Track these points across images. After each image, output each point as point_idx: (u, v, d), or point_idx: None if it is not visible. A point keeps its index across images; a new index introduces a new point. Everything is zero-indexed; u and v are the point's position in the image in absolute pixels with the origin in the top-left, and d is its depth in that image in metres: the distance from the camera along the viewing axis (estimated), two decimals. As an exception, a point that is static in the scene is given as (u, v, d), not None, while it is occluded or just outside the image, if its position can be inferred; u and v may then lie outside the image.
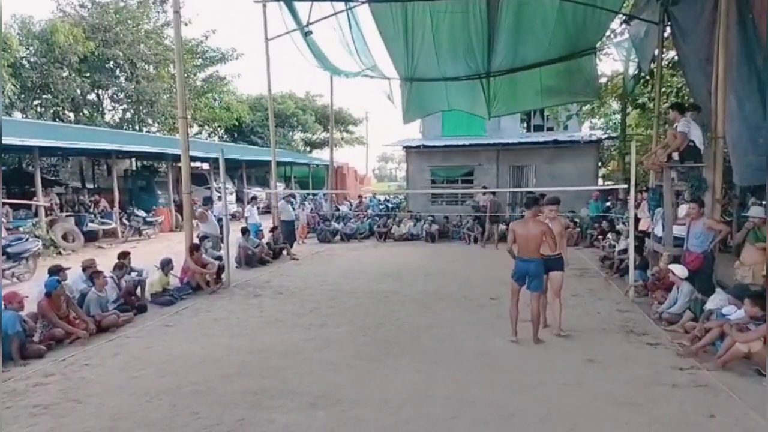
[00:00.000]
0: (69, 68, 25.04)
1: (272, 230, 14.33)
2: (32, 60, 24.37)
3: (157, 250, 13.77)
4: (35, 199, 15.17)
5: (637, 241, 9.76)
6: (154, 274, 9.30)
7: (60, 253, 14.24)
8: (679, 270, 7.46)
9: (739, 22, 7.72)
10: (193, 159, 19.71)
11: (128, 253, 9.37)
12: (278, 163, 19.65)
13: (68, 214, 16.56)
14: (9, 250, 10.80)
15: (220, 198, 14.09)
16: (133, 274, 9.23)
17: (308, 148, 46.83)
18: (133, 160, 26.06)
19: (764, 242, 7.00)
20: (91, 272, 7.93)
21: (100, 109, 29.24)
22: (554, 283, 6.87)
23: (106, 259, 10.37)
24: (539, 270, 6.50)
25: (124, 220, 18.22)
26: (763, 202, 10.14)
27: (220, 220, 12.27)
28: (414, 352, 6.29)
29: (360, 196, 24.01)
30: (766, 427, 4.25)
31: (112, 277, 8.23)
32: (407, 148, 20.49)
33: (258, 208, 15.68)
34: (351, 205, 23.23)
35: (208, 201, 14.69)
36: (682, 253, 7.99)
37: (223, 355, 6.22)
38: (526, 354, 6.18)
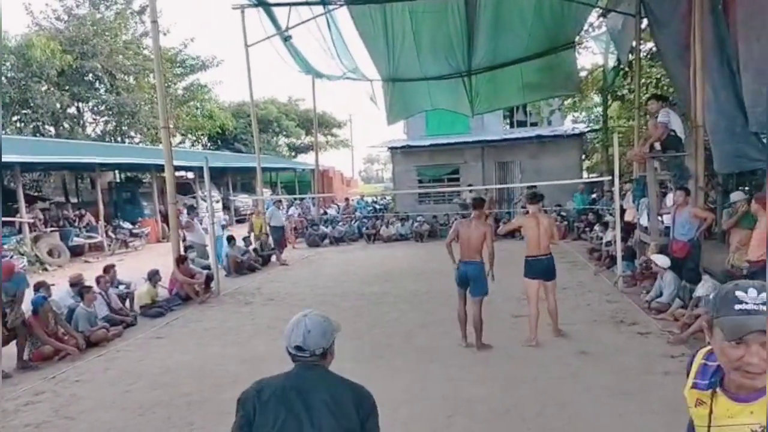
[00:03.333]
0: (47, 82, 24.74)
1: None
2: (9, 75, 24.05)
3: (144, 262, 13.65)
4: (18, 215, 14.98)
5: (624, 233, 9.85)
6: (142, 286, 9.22)
7: (46, 269, 14.07)
8: (661, 260, 7.55)
9: (711, 11, 7.83)
10: (177, 168, 19.57)
11: (113, 266, 9.29)
12: (264, 169, 19.57)
13: (53, 229, 16.36)
14: (-7, 268, 10.64)
15: (194, 208, 13.86)
16: (121, 287, 9.16)
17: (293, 153, 46.68)
18: (117, 172, 25.80)
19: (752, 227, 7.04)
20: (80, 288, 7.85)
21: (81, 122, 28.91)
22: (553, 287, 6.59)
23: (93, 273, 10.25)
24: (480, 273, 6.17)
25: (110, 233, 18.04)
26: (745, 189, 10.30)
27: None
28: (408, 353, 6.30)
29: (347, 199, 23.98)
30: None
31: (100, 293, 8.14)
32: (392, 148, 20.53)
33: (222, 224, 14.24)
34: (338, 209, 23.20)
35: (191, 210, 14.56)
36: (669, 242, 8.07)
37: (215, 365, 6.19)
38: (519, 349, 6.21)
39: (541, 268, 6.36)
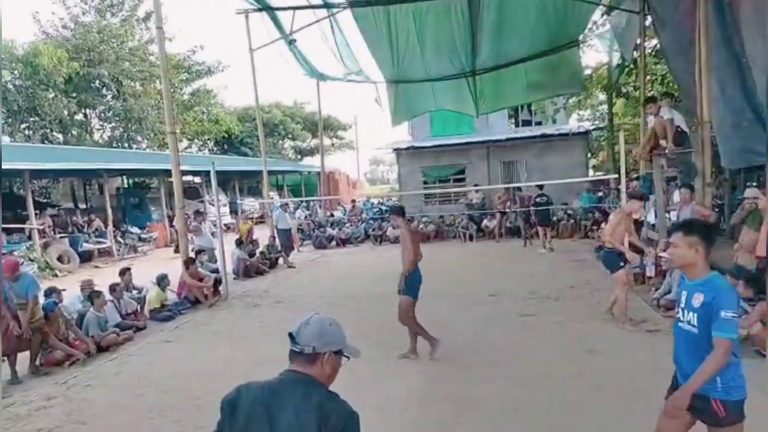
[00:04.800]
0: (55, 90, 24.95)
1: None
2: (17, 83, 24.27)
3: (153, 267, 13.73)
4: (28, 222, 15.11)
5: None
6: (152, 290, 9.28)
7: (56, 275, 14.18)
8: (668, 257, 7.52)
9: (716, 6, 7.81)
10: (185, 173, 19.69)
11: (128, 269, 9.39)
12: (270, 173, 19.64)
13: (62, 235, 16.48)
14: (4, 275, 10.72)
15: (201, 212, 13.78)
16: (134, 292, 9.24)
17: (299, 156, 46.82)
18: (125, 177, 25.97)
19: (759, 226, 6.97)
20: (90, 292, 7.91)
21: (89, 128, 29.11)
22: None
23: (103, 277, 10.34)
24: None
25: (119, 238, 18.17)
26: (754, 184, 10.23)
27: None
28: (415, 353, 6.30)
29: (353, 201, 24.02)
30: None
31: (112, 301, 8.18)
32: (397, 150, 20.52)
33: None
34: (345, 210, 23.26)
35: (198, 214, 14.61)
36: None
37: (225, 368, 6.21)
38: (526, 348, 6.21)
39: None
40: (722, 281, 2.80)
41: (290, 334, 1.96)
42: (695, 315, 2.78)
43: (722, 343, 2.64)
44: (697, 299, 2.76)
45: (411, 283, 6.05)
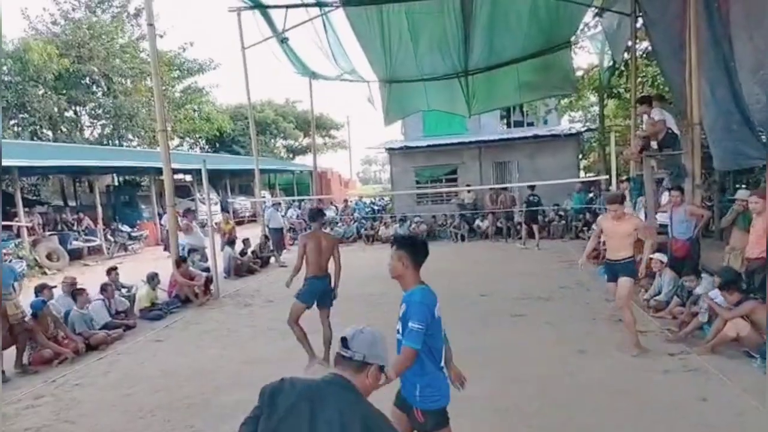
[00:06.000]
0: (45, 86, 24.69)
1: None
2: (7, 79, 23.98)
3: (143, 265, 13.63)
4: (17, 219, 14.96)
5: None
6: (142, 288, 9.22)
7: (45, 273, 14.04)
8: (660, 258, 7.56)
9: (706, 8, 7.86)
10: (176, 171, 19.57)
11: (115, 268, 9.31)
12: (262, 171, 19.56)
13: (51, 233, 16.33)
14: (-8, 273, 10.62)
15: (191, 210, 13.69)
16: (123, 290, 9.17)
17: (291, 155, 46.66)
18: (115, 175, 25.77)
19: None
20: (73, 290, 7.83)
21: (79, 125, 28.82)
22: (621, 290, 5.81)
23: (92, 276, 10.25)
24: (330, 285, 6.07)
25: (109, 237, 18.04)
26: (744, 186, 10.30)
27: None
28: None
29: (345, 200, 23.99)
30: (758, 409, 4.33)
31: (103, 300, 8.11)
32: (390, 149, 20.51)
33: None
34: (337, 210, 23.20)
35: (189, 212, 14.54)
36: (667, 240, 8.08)
37: (216, 367, 6.19)
38: (518, 349, 6.22)
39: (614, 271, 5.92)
40: (418, 295, 3.11)
41: (343, 338, 2.00)
42: (400, 324, 3.12)
43: (405, 350, 3.01)
44: (402, 309, 3.12)
45: (305, 290, 6.01)
